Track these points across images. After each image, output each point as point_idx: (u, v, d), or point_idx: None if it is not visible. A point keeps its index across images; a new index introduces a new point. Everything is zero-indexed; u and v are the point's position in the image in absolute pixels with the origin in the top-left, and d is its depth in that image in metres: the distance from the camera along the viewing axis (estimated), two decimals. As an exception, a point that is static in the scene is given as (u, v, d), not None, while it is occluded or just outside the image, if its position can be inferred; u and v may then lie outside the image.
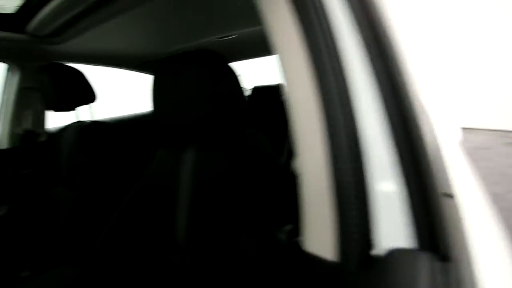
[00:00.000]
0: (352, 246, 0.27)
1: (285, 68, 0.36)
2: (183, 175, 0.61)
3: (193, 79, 0.53)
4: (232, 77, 0.57)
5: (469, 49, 4.28)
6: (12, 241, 1.20)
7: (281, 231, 0.40)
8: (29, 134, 1.31)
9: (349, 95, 0.31)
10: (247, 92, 2.07)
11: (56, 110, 1.11)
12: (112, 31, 1.05)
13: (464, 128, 4.43)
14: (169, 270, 0.60)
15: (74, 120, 1.23)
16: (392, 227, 0.27)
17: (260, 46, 1.57)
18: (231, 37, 1.32)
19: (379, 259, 0.26)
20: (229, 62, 0.59)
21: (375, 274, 0.25)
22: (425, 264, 0.24)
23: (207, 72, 0.53)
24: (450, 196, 0.38)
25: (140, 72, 1.75)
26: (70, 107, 1.07)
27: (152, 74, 1.57)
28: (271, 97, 1.78)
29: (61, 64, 1.11)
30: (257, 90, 1.92)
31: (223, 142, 0.57)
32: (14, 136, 1.29)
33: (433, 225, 0.26)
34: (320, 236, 0.30)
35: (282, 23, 0.35)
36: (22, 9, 1.01)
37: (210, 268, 0.54)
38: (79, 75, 1.10)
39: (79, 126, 1.10)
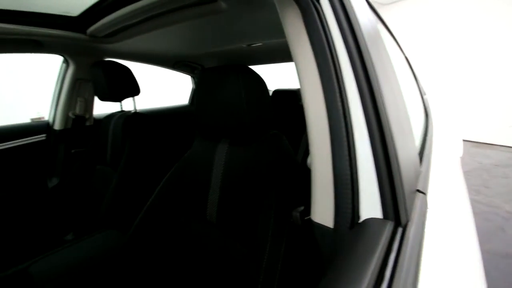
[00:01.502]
0: (345, 216, 0.41)
1: (302, 79, 0.48)
2: (216, 162, 0.75)
3: (232, 88, 0.67)
4: (263, 87, 0.71)
5: (491, 66, 4.19)
6: (60, 208, 1.41)
7: (296, 211, 0.53)
8: (79, 119, 1.52)
9: (346, 108, 0.44)
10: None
11: (105, 100, 1.30)
12: (155, 35, 1.21)
13: (484, 144, 4.34)
14: (201, 242, 0.74)
15: (118, 110, 1.42)
16: (369, 204, 0.40)
17: (280, 54, 1.71)
18: (256, 45, 1.46)
19: (360, 225, 0.40)
20: (254, 65, 0.72)
21: (357, 234, 0.39)
22: (388, 228, 0.37)
23: (243, 83, 0.67)
24: (422, 192, 0.50)
25: (173, 70, 1.93)
26: (117, 98, 1.25)
27: (183, 72, 1.74)
28: (289, 100, 1.91)
29: (112, 60, 1.29)
30: (277, 93, 2.06)
31: (251, 139, 0.71)
32: (67, 119, 1.50)
33: (397, 204, 0.39)
34: (324, 211, 0.44)
35: (300, 44, 0.47)
36: (84, 14, 1.21)
37: (237, 241, 0.68)
38: (127, 70, 1.28)
39: (124, 115, 1.28)
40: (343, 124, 0.43)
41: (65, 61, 1.47)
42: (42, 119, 1.53)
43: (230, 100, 0.67)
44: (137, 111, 1.35)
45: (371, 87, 0.42)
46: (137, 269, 0.77)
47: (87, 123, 1.57)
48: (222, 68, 0.71)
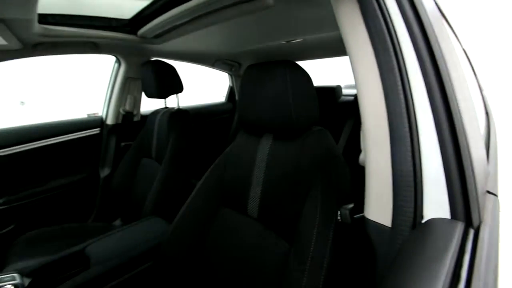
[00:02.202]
0: (405, 216, 0.38)
1: (358, 73, 0.46)
2: (259, 157, 0.76)
3: (279, 83, 0.66)
4: (309, 83, 0.70)
5: None
6: (109, 195, 1.55)
7: (344, 208, 0.52)
8: (128, 115, 1.65)
9: (411, 103, 0.41)
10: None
11: (152, 97, 1.39)
12: (198, 35, 1.26)
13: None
14: (241, 236, 0.75)
15: (162, 106, 1.51)
16: (435, 203, 0.37)
17: (320, 50, 1.67)
18: (296, 41, 1.44)
19: (424, 224, 0.37)
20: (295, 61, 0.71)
21: (423, 234, 0.36)
22: (459, 229, 0.34)
23: (290, 78, 0.66)
24: (493, 194, 0.45)
25: (212, 68, 1.99)
26: (163, 95, 1.32)
27: (222, 70, 1.77)
28: (327, 98, 1.86)
29: (160, 60, 1.37)
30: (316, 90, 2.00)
31: (295, 134, 0.71)
32: (118, 115, 1.63)
33: (469, 205, 0.36)
34: (381, 209, 0.42)
35: (356, 34, 0.45)
36: (136, 17, 1.30)
37: (279, 237, 0.68)
38: (173, 69, 1.35)
39: (168, 112, 1.35)
40: (405, 118, 0.40)
41: (117, 61, 1.60)
42: (97, 115, 1.68)
43: (276, 95, 0.67)
44: (180, 107, 1.42)
45: (441, 79, 0.38)
46: (179, 256, 0.81)
47: (135, 119, 1.69)
48: (269, 64, 0.71)
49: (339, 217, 0.55)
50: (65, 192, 1.50)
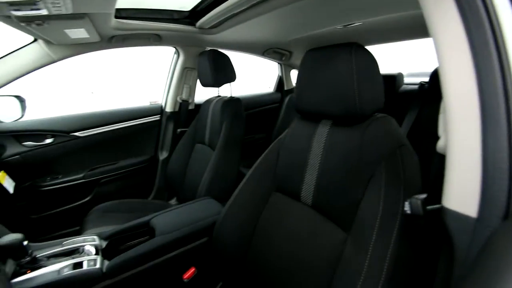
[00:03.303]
0: (496, 205, 0.34)
1: (443, 56, 0.41)
2: (315, 143, 0.74)
3: (343, 67, 0.63)
4: (376, 67, 0.65)
5: None
6: (166, 177, 1.68)
7: (415, 198, 0.47)
8: (184, 103, 1.76)
9: (509, 83, 0.35)
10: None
11: (207, 86, 1.45)
12: (251, 24, 1.26)
13: None
14: (295, 222, 0.75)
15: (215, 95, 1.57)
16: None
17: (383, 34, 1.53)
18: (355, 25, 1.35)
19: None
20: None
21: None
22: None
23: (356, 61, 0.62)
24: None
25: (262, 57, 2.00)
26: (218, 84, 1.37)
27: (272, 59, 1.75)
28: (387, 86, 1.71)
29: (216, 49, 1.42)
30: None
31: (356, 121, 0.67)
32: (175, 103, 1.75)
33: None
34: (464, 198, 0.37)
35: (443, 10, 0.39)
36: (195, 8, 1.36)
37: (336, 225, 0.66)
38: (227, 59, 1.39)
39: (221, 100, 1.40)
40: (501, 99, 0.35)
41: (176, 52, 1.71)
42: (157, 103, 1.83)
43: (339, 80, 0.64)
44: (232, 96, 1.46)
45: None
46: (231, 235, 0.84)
47: (190, 107, 1.79)
48: (332, 47, 0.68)
49: (406, 208, 0.50)
50: (130, 171, 1.68)
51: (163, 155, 1.77)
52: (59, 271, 0.71)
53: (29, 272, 0.70)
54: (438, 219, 0.42)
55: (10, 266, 0.69)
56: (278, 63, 2.20)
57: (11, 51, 1.23)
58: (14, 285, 0.65)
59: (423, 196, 0.47)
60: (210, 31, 1.42)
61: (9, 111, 1.32)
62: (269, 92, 2.33)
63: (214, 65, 1.34)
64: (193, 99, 1.80)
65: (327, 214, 0.68)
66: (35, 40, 1.23)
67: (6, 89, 1.25)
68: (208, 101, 1.53)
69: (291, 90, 2.30)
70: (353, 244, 0.59)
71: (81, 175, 1.53)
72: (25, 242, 0.69)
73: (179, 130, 1.76)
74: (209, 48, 1.56)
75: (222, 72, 1.37)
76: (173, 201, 1.75)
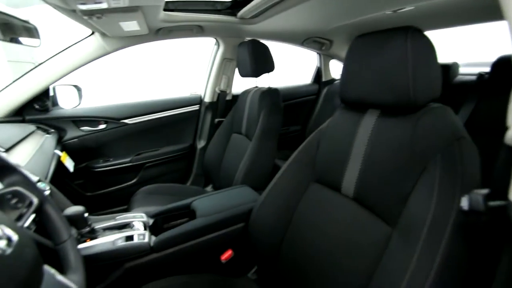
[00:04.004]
0: None
1: None
2: (360, 133, 0.71)
3: (397, 53, 0.59)
4: (433, 53, 0.60)
5: None
6: (204, 165, 1.75)
7: (475, 194, 0.43)
8: (222, 93, 1.80)
9: None
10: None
11: (245, 76, 1.47)
12: (290, 13, 1.23)
13: None
14: (334, 215, 0.73)
15: (251, 86, 1.58)
16: None
17: (439, 18, 1.39)
18: (406, 9, 1.24)
19: None
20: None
21: None
22: None
23: (412, 46, 0.58)
24: None
25: (301, 47, 1.95)
26: (256, 74, 1.38)
27: (312, 49, 1.69)
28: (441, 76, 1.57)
29: (255, 40, 1.42)
30: None
31: (408, 111, 0.62)
32: (213, 94, 1.80)
33: None
34: None
35: None
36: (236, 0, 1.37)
37: (380, 219, 0.63)
38: (266, 48, 1.38)
39: (259, 90, 1.41)
40: None
41: (217, 43, 1.74)
42: (197, 94, 1.90)
43: (391, 67, 0.60)
44: (270, 87, 1.45)
45: None
46: (267, 223, 0.85)
47: (228, 98, 1.83)
48: (386, 31, 0.64)
49: (463, 204, 0.46)
50: (171, 158, 1.79)
51: (201, 144, 1.84)
52: (113, 242, 0.79)
53: (89, 241, 0.79)
54: (502, 216, 0.38)
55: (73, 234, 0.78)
56: (317, 53, 2.14)
57: (70, 44, 1.37)
58: None
59: (485, 191, 0.43)
60: (251, 21, 1.42)
61: (68, 99, 1.48)
62: (306, 84, 2.28)
63: (254, 55, 1.34)
64: (231, 90, 1.84)
65: (370, 207, 0.66)
66: (92, 33, 1.34)
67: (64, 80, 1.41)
68: (246, 92, 1.55)
69: (329, 82, 2.22)
70: (399, 239, 0.56)
71: (128, 159, 1.67)
72: (86, 214, 0.78)
73: (216, 120, 1.81)
74: (248, 39, 1.57)
75: (261, 62, 1.37)
76: (208, 188, 1.83)
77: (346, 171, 0.72)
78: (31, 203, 0.51)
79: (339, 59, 2.16)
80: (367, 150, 0.68)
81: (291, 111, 2.10)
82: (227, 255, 0.92)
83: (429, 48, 0.60)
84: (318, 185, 0.80)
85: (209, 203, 1.00)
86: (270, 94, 1.37)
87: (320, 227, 0.75)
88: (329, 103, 2.11)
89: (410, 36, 0.59)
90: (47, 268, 0.45)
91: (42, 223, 0.57)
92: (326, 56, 2.16)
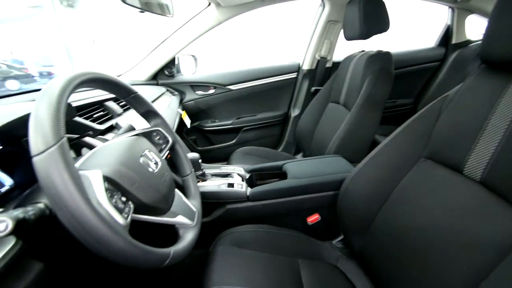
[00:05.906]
0: None
1: None
2: (504, 103, 0.55)
3: None
4: None
5: None
6: (296, 133, 1.77)
7: None
8: (322, 60, 1.71)
9: None
10: None
11: (352, 39, 1.33)
12: None
13: None
14: (448, 194, 0.62)
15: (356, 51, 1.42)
16: None
17: None
18: None
19: None
20: None
21: None
22: None
23: None
24: None
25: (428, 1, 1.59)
26: (366, 35, 1.22)
27: (443, 3, 1.32)
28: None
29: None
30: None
31: None
32: (313, 61, 1.74)
33: None
34: None
35: None
36: None
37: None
38: (382, 4, 1.19)
39: (366, 54, 1.26)
40: None
41: (322, 4, 1.63)
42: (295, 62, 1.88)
43: None
44: (380, 50, 1.27)
45: None
46: (360, 195, 0.81)
47: (327, 65, 1.73)
48: None
49: None
50: (266, 123, 1.89)
51: (295, 112, 1.86)
52: (219, 186, 0.93)
53: (200, 182, 0.96)
54: None
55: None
56: (450, 7, 1.69)
57: (190, 18, 1.56)
58: None
59: None
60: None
61: (187, 67, 1.74)
62: (428, 47, 1.88)
63: (365, 12, 1.17)
64: (332, 57, 1.72)
65: (504, 195, 0.52)
66: (208, 5, 1.49)
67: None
68: (349, 58, 1.42)
69: (462, 44, 1.75)
70: None
71: (230, 122, 1.87)
72: (200, 160, 0.94)
73: (313, 88, 1.76)
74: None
75: (374, 21, 1.19)
76: (298, 156, 1.86)
77: (474, 149, 0.59)
78: (167, 141, 0.66)
79: (482, 13, 1.65)
80: (511, 126, 0.53)
81: (402, 81, 1.81)
82: (313, 218, 0.95)
83: None
84: (431, 162, 0.69)
85: (300, 167, 1.02)
86: (380, 58, 1.20)
87: (427, 211, 0.65)
88: (459, 72, 1.69)
89: None
90: (177, 190, 0.59)
91: (172, 158, 0.73)
92: (461, 10, 1.69)
